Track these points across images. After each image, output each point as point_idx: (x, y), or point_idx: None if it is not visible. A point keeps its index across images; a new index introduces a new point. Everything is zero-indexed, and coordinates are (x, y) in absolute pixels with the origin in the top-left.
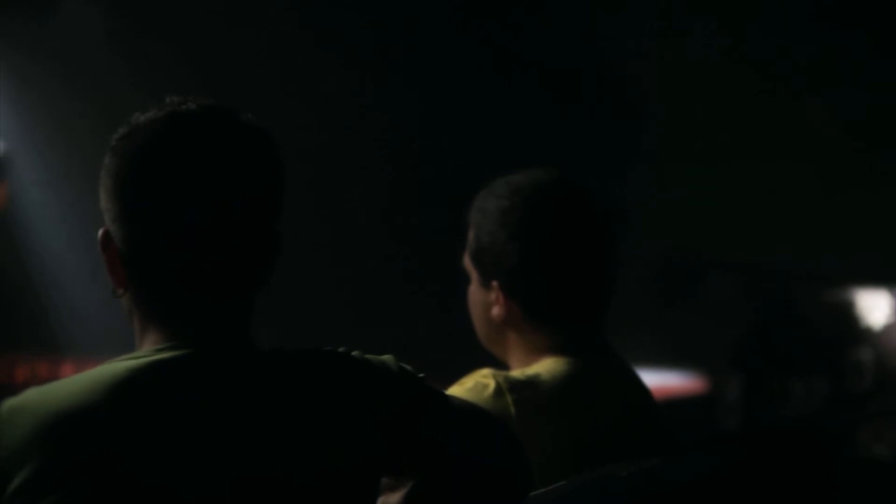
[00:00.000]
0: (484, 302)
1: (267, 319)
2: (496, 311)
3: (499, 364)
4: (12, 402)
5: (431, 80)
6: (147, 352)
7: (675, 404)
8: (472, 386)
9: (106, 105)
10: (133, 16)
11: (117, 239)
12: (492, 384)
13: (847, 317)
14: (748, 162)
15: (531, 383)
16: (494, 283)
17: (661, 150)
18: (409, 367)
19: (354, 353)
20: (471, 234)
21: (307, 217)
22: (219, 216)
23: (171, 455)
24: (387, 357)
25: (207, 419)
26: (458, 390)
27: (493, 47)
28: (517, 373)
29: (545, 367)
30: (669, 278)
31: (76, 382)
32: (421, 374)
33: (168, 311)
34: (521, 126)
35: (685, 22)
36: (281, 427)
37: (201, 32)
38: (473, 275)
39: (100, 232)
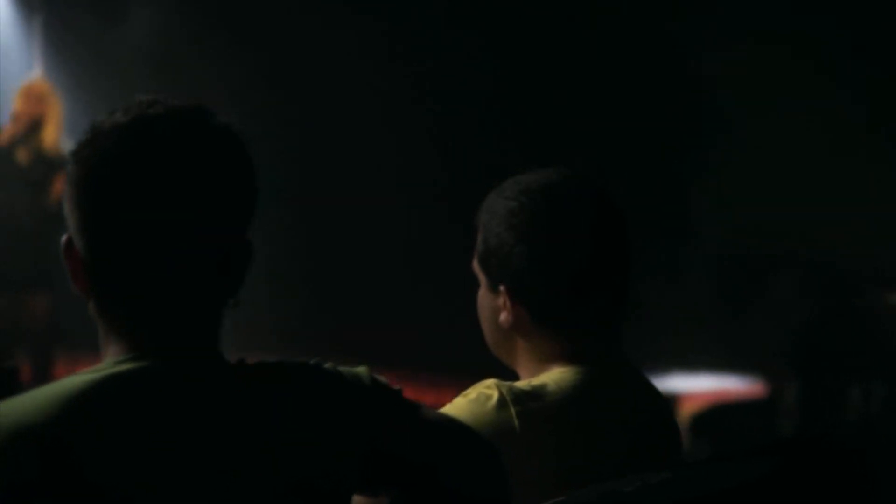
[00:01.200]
0: (492, 307)
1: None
2: (503, 316)
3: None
4: None
5: (493, 74)
6: (107, 364)
7: (734, 409)
8: (476, 397)
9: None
10: (213, 8)
11: (80, 247)
12: (495, 395)
13: None
14: (813, 158)
15: (537, 394)
16: (501, 288)
17: (723, 145)
18: (383, 380)
19: (326, 365)
20: (479, 237)
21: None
22: (186, 225)
23: (132, 470)
24: (360, 369)
25: (169, 433)
26: (461, 401)
27: (560, 43)
28: (523, 383)
29: (553, 377)
30: (730, 278)
31: (34, 398)
32: (397, 387)
33: (130, 321)
34: (578, 118)
35: (746, 16)
36: (248, 442)
37: (283, 24)
38: (481, 279)
39: (62, 239)
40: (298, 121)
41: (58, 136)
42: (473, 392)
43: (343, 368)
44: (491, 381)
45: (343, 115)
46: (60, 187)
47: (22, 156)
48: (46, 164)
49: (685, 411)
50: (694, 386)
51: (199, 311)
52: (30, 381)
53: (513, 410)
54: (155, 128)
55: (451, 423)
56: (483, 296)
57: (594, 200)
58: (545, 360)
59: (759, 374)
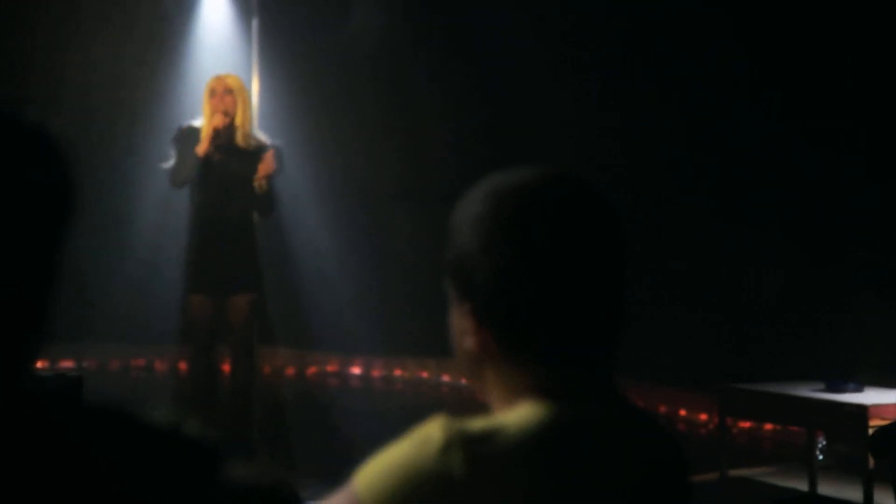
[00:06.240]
0: (460, 328)
1: None
2: (469, 340)
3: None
4: None
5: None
6: None
7: None
8: (417, 438)
9: (365, 104)
10: (428, 12)
11: None
12: (439, 437)
13: None
14: None
15: (491, 436)
16: (466, 307)
17: None
18: (205, 438)
19: (147, 413)
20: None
21: None
22: None
23: None
24: (180, 419)
25: None
26: (407, 442)
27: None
28: (479, 422)
29: (518, 414)
30: None
31: None
32: (218, 448)
33: None
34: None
35: None
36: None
37: (496, 32)
38: (452, 294)
39: None
40: (502, 123)
41: (249, 128)
42: (418, 431)
43: (164, 416)
44: (440, 420)
45: (538, 123)
46: (260, 178)
47: (221, 152)
48: (244, 158)
49: (872, 425)
50: (887, 399)
51: None
52: (230, 377)
53: (458, 455)
54: None
55: (254, 491)
56: (453, 314)
57: (578, 205)
58: (515, 394)
59: None
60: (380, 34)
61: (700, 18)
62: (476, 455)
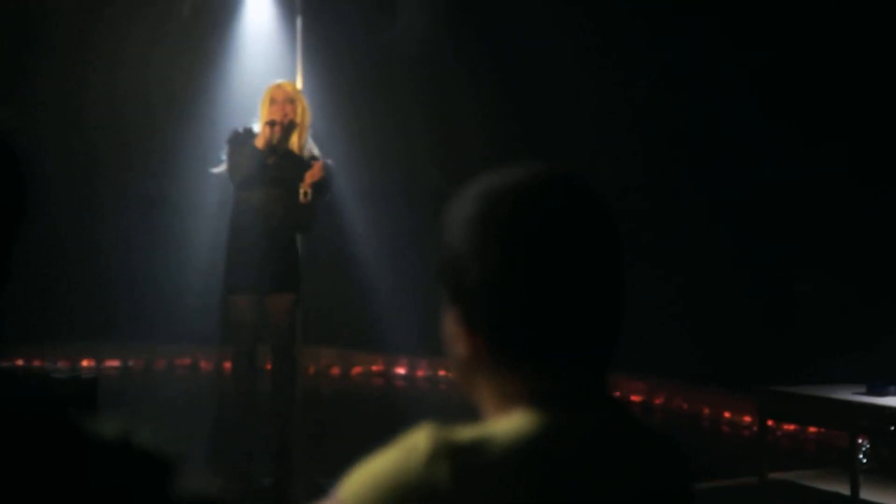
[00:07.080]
0: (453, 333)
1: None
2: (460, 346)
3: None
4: None
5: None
6: None
7: None
8: (402, 447)
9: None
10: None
11: None
12: (425, 446)
13: None
14: None
15: (479, 446)
16: (457, 310)
17: None
18: (155, 449)
19: (97, 423)
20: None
21: None
22: None
23: None
24: (131, 430)
25: None
26: (392, 451)
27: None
28: (468, 431)
29: (509, 422)
30: None
31: None
32: (169, 460)
33: None
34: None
35: None
36: None
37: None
38: (444, 298)
39: None
40: (541, 123)
41: (305, 138)
42: (403, 441)
43: (115, 427)
44: (427, 429)
45: (576, 127)
46: (306, 185)
47: (274, 158)
48: (296, 165)
49: None
50: None
51: None
52: (270, 377)
53: (444, 466)
54: None
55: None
56: (446, 320)
57: (572, 206)
58: (508, 401)
59: None
60: (422, 34)
61: (724, 23)
62: (463, 466)
